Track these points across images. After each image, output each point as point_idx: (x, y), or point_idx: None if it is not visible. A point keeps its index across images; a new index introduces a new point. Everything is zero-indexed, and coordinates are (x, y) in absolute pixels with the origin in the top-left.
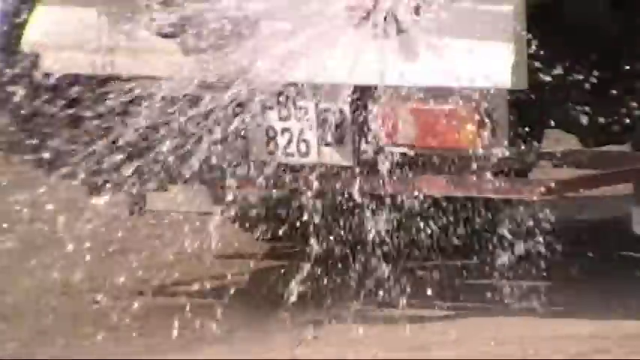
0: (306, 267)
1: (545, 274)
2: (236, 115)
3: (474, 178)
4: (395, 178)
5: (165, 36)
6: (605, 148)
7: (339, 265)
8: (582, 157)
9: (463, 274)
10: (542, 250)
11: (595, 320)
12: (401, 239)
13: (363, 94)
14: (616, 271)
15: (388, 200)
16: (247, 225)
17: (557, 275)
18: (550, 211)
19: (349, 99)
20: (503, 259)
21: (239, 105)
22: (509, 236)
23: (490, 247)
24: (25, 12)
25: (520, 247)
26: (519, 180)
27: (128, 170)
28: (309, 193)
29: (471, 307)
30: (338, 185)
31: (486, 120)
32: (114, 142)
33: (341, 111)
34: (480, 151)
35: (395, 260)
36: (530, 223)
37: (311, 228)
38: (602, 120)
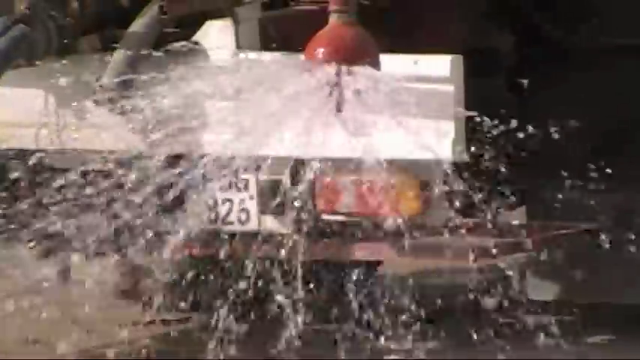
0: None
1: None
2: (177, 187)
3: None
4: (334, 244)
5: (116, 112)
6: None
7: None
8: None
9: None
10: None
11: None
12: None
13: (304, 166)
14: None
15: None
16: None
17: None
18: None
19: (289, 171)
20: None
21: (181, 178)
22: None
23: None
24: None
25: None
26: (453, 246)
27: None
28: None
29: None
30: (277, 251)
31: (423, 190)
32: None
33: (280, 182)
34: (420, 218)
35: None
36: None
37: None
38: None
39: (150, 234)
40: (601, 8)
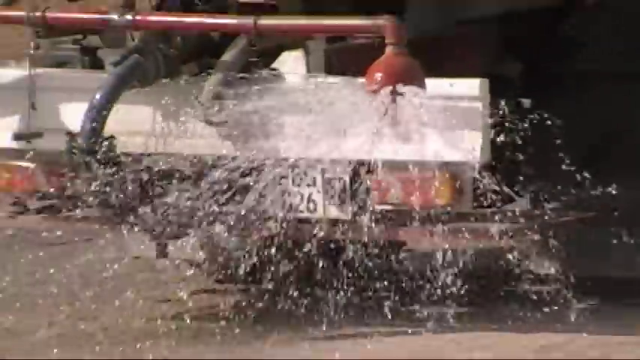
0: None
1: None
2: (260, 182)
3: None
4: (383, 229)
5: (211, 124)
6: None
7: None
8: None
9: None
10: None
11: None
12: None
13: (361, 166)
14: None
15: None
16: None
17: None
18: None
19: (349, 169)
20: None
21: (261, 175)
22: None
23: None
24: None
25: None
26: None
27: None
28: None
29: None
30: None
31: (456, 185)
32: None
33: (341, 179)
34: (450, 208)
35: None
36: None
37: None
38: None
39: (233, 220)
40: (588, 45)
